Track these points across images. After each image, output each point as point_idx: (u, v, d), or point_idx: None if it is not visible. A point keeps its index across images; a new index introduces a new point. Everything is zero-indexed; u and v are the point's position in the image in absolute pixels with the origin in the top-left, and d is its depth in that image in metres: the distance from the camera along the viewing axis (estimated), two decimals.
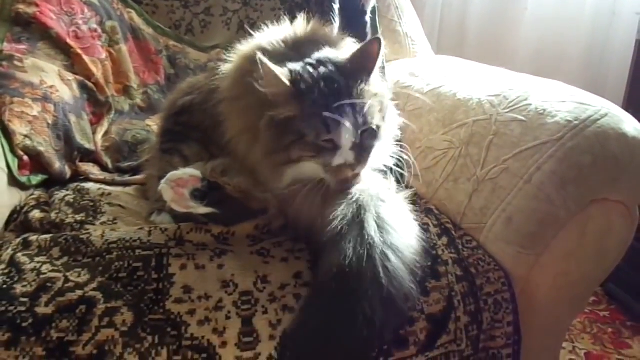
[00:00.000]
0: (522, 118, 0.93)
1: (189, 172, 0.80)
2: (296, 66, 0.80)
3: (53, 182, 1.05)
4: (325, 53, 0.84)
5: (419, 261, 0.79)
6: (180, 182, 0.78)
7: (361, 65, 0.81)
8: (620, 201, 0.90)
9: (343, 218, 0.76)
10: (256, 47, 0.86)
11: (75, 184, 1.04)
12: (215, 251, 0.80)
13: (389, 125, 0.88)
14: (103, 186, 1.05)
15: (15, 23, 1.15)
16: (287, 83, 0.76)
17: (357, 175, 0.81)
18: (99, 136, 1.18)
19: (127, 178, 1.10)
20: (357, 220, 0.76)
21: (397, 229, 0.77)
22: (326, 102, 0.76)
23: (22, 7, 1.15)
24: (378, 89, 0.83)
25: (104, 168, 1.15)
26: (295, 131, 0.77)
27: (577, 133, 0.86)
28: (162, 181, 0.78)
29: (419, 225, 0.84)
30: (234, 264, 0.78)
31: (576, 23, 2.03)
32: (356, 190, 0.80)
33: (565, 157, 0.85)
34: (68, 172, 1.07)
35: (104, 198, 0.98)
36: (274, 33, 0.90)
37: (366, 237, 0.74)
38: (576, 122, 0.87)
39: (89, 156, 1.15)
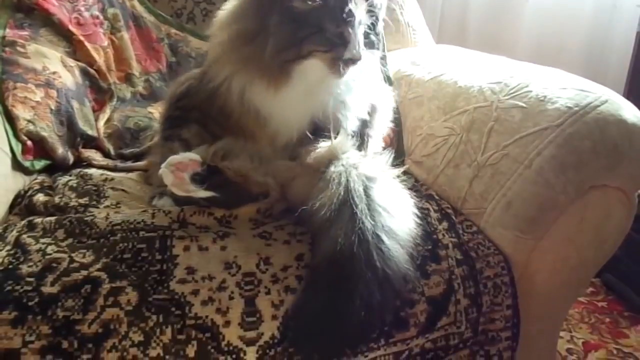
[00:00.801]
0: (523, 104, 0.93)
1: (189, 156, 0.80)
2: None
3: (56, 167, 1.06)
4: None
5: (416, 242, 0.80)
6: (180, 166, 0.79)
7: None
8: (619, 187, 0.91)
9: (330, 204, 0.77)
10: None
11: (78, 170, 1.05)
12: (218, 233, 0.81)
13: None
14: (106, 172, 1.06)
15: (17, 9, 1.15)
16: None
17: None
18: (101, 123, 1.19)
19: (129, 164, 1.11)
20: (346, 204, 0.76)
21: (389, 210, 0.78)
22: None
23: None
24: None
25: (106, 154, 1.16)
26: (314, 24, 0.81)
27: (577, 119, 0.86)
28: (162, 165, 0.79)
29: (415, 204, 0.85)
30: (237, 246, 0.79)
31: (577, 15, 2.04)
32: (342, 172, 0.81)
33: (565, 142, 0.85)
34: (71, 158, 1.08)
35: (107, 183, 0.99)
36: None
37: (357, 222, 0.74)
38: (576, 109, 0.87)
39: (91, 143, 1.15)
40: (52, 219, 0.81)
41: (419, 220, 0.83)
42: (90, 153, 1.13)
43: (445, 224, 0.91)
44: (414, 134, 1.14)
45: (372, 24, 0.87)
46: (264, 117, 0.89)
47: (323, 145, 0.85)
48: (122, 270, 0.73)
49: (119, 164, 1.11)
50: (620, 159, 0.88)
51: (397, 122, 1.21)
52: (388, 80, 1.27)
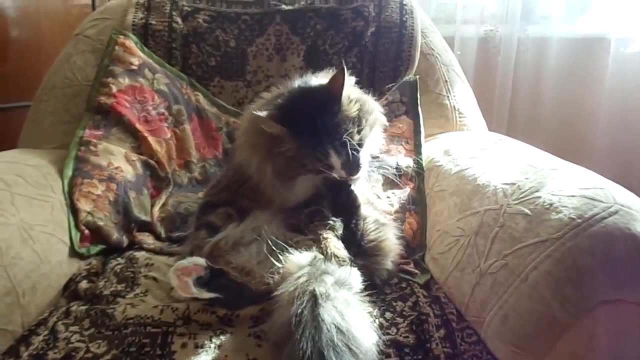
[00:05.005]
0: (528, 212, 0.91)
1: (194, 261, 0.90)
2: (282, 105, 1.03)
3: (113, 249, 1.22)
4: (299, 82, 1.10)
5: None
6: (184, 271, 0.89)
7: (332, 95, 1.00)
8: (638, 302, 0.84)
9: (278, 328, 0.81)
10: (258, 101, 1.15)
11: (130, 252, 1.20)
12: (216, 331, 0.89)
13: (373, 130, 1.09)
14: (151, 255, 1.20)
15: (96, 112, 1.37)
16: (282, 127, 0.98)
17: (353, 179, 1.05)
18: (156, 208, 1.34)
19: (172, 248, 1.24)
20: (290, 328, 0.77)
21: (342, 329, 0.77)
22: (316, 141, 0.98)
23: (103, 99, 1.37)
24: (352, 108, 1.03)
25: (158, 237, 1.31)
26: (298, 163, 1.01)
27: (578, 232, 0.83)
28: (171, 270, 0.90)
29: (418, 310, 0.94)
30: (230, 345, 0.86)
31: None
32: (288, 292, 0.83)
33: (562, 257, 0.82)
34: (125, 241, 1.24)
35: (145, 269, 1.11)
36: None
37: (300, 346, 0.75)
38: (579, 220, 0.84)
39: (146, 226, 1.31)
40: (83, 307, 0.95)
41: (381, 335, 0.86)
42: (143, 237, 1.28)
43: (442, 332, 0.91)
44: (433, 229, 1.15)
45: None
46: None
47: (285, 264, 0.89)
48: None
49: (164, 247, 1.25)
50: (631, 275, 0.82)
51: (423, 213, 1.22)
52: (420, 170, 1.29)
